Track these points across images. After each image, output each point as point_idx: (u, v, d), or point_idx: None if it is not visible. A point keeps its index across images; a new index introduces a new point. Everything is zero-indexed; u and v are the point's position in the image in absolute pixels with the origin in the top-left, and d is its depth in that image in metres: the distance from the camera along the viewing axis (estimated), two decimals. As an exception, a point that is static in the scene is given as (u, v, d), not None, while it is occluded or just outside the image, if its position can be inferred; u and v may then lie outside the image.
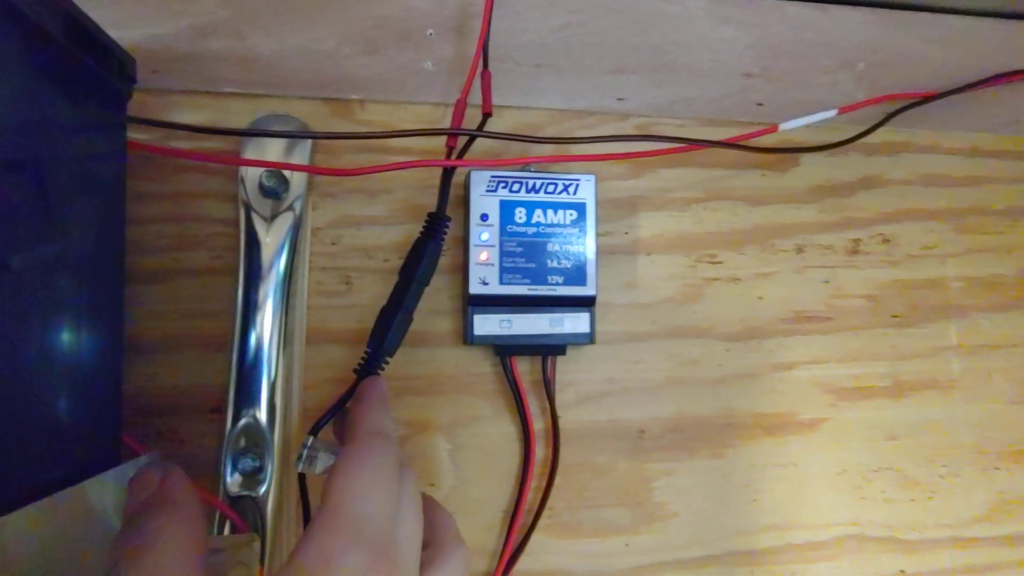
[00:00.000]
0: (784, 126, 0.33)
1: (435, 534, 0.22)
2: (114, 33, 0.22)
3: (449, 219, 0.30)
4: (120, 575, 0.17)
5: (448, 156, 0.30)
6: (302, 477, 0.27)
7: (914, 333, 0.37)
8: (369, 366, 0.27)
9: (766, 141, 0.33)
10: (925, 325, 0.37)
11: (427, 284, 0.29)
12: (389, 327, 0.27)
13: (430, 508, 0.23)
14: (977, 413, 0.38)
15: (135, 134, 0.28)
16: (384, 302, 0.29)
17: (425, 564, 0.21)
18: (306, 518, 0.27)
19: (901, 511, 0.36)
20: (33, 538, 0.17)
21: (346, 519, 0.18)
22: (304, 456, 0.24)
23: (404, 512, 0.20)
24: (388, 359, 0.28)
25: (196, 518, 0.19)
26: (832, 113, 0.34)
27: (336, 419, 0.27)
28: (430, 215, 0.29)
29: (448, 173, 0.30)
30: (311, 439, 0.25)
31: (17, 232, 0.17)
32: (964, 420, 0.37)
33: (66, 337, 0.20)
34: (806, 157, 0.37)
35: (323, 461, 0.24)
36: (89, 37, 0.21)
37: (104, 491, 0.20)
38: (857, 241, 0.37)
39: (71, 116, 0.21)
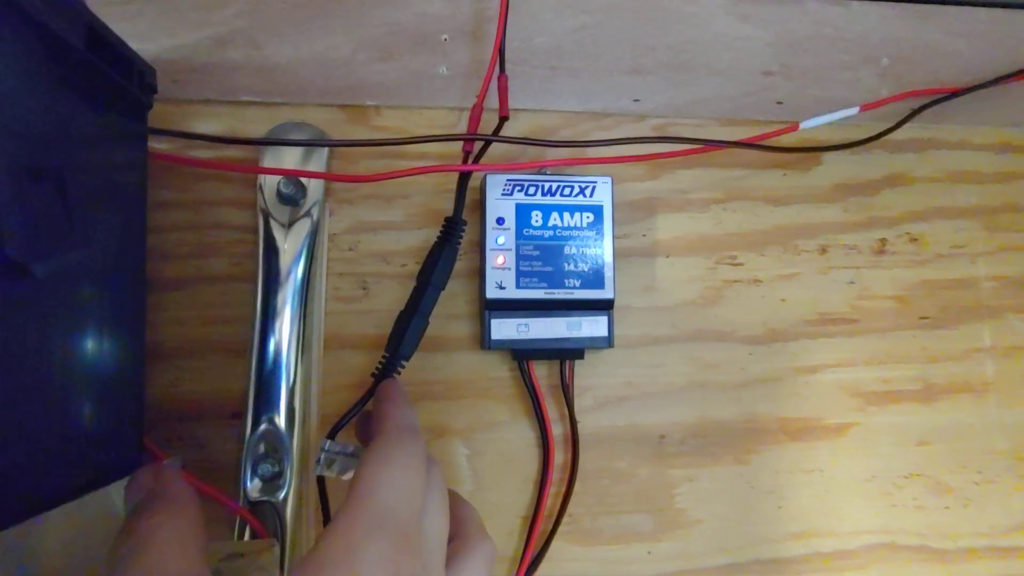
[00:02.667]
0: (805, 124, 0.33)
1: (460, 527, 0.22)
2: (135, 45, 0.23)
3: (465, 223, 0.29)
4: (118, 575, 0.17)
5: (465, 160, 0.30)
6: (321, 481, 0.27)
7: (945, 335, 0.36)
8: (386, 370, 0.27)
9: (787, 140, 0.33)
10: (956, 326, 0.36)
11: (443, 288, 0.29)
12: (405, 331, 0.27)
13: (455, 502, 0.23)
14: (1013, 417, 0.36)
15: (155, 144, 0.29)
16: (400, 307, 0.29)
17: (450, 557, 0.21)
18: (326, 522, 0.27)
19: (934, 519, 0.35)
20: (60, 540, 0.18)
21: (372, 509, 0.18)
22: (322, 459, 0.24)
23: (431, 505, 0.20)
24: (404, 363, 0.28)
25: (192, 513, 0.19)
26: (854, 110, 0.34)
27: (359, 421, 0.27)
28: (446, 219, 0.29)
29: (464, 177, 0.30)
30: (328, 442, 0.25)
31: (40, 240, 0.17)
32: (999, 424, 0.36)
33: (89, 344, 0.21)
34: (829, 155, 0.36)
35: (341, 464, 0.24)
36: (111, 49, 0.21)
37: (126, 496, 0.20)
38: (883, 241, 0.36)
39: (93, 126, 0.21)
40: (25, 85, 0.17)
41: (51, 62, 0.18)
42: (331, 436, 0.26)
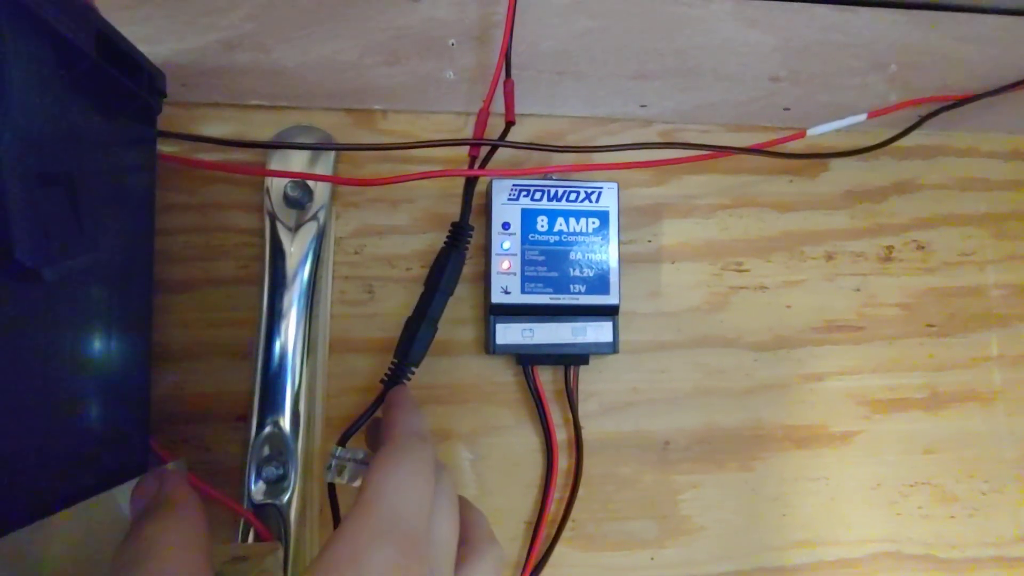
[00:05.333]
0: (812, 131, 0.33)
1: (468, 532, 0.22)
2: (144, 48, 0.23)
3: (472, 228, 0.29)
4: None
5: (471, 165, 0.30)
6: (331, 487, 0.27)
7: (952, 343, 0.36)
8: (395, 377, 0.27)
9: (794, 147, 0.33)
10: (964, 335, 0.36)
11: (451, 294, 0.29)
12: (414, 337, 0.27)
13: (464, 507, 0.23)
14: (1021, 426, 0.36)
15: (164, 146, 0.29)
16: (406, 311, 0.29)
17: (458, 562, 0.21)
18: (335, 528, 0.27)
19: (940, 528, 0.35)
20: (68, 541, 0.18)
21: (379, 515, 0.18)
22: (333, 466, 0.24)
23: (439, 512, 0.20)
24: (414, 369, 0.28)
25: (196, 519, 0.19)
26: (862, 117, 0.33)
27: (370, 428, 0.27)
28: (453, 224, 0.29)
29: (471, 182, 0.30)
30: (339, 449, 0.25)
31: (51, 243, 0.18)
32: (1007, 433, 0.36)
33: (96, 346, 0.21)
34: (836, 162, 0.36)
35: (352, 470, 0.24)
36: (121, 53, 0.21)
37: (132, 498, 0.21)
38: (890, 248, 0.36)
39: (103, 130, 0.21)
40: (37, 91, 0.17)
41: (63, 68, 0.18)
42: (342, 443, 0.26)
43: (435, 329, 0.28)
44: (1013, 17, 0.37)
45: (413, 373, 0.28)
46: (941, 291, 0.36)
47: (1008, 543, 0.35)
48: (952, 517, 0.35)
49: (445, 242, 0.29)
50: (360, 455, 0.25)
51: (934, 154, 0.37)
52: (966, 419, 0.36)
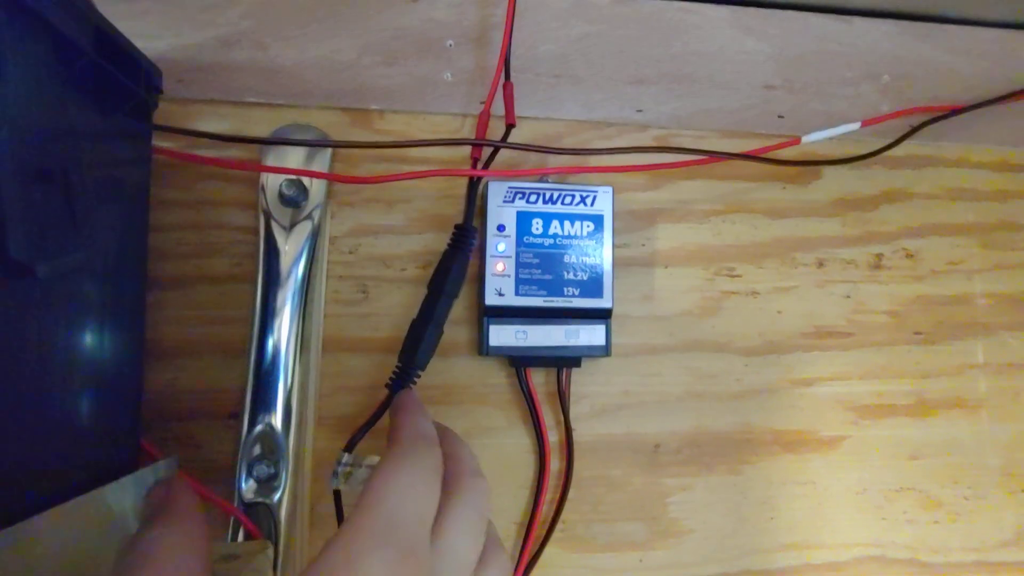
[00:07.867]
0: (806, 139, 0.33)
1: (450, 465, 0.22)
2: (141, 44, 0.23)
3: (475, 230, 0.29)
4: None
5: (473, 167, 0.30)
6: (337, 495, 0.27)
7: (939, 350, 0.36)
8: (401, 380, 0.27)
9: (787, 154, 0.33)
10: (950, 342, 0.37)
11: (456, 297, 0.29)
12: (420, 341, 0.27)
13: (447, 440, 0.22)
14: (1005, 434, 0.37)
15: (159, 142, 0.29)
16: (401, 311, 0.29)
17: (441, 500, 0.20)
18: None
19: (924, 533, 0.35)
20: (55, 541, 0.18)
21: (377, 519, 0.18)
22: (339, 472, 0.24)
23: (461, 522, 0.20)
24: (420, 373, 0.28)
25: (196, 527, 0.19)
26: (855, 126, 0.34)
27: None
28: (457, 227, 0.29)
29: (474, 184, 0.30)
30: (346, 455, 0.25)
31: (45, 240, 0.18)
32: (991, 441, 0.36)
33: (89, 342, 0.21)
34: (828, 170, 0.36)
35: (358, 477, 0.24)
36: (118, 51, 0.21)
37: (123, 495, 0.20)
38: (880, 256, 0.37)
39: (99, 126, 0.21)
40: (34, 87, 0.17)
41: (60, 64, 0.18)
42: (348, 449, 0.26)
43: (440, 332, 0.28)
44: (1004, 30, 0.38)
45: (419, 377, 0.28)
46: (929, 299, 0.37)
47: (990, 548, 0.36)
48: (936, 522, 0.35)
49: (449, 244, 0.29)
50: (365, 461, 0.24)
51: (925, 164, 0.38)
52: (951, 426, 0.36)
